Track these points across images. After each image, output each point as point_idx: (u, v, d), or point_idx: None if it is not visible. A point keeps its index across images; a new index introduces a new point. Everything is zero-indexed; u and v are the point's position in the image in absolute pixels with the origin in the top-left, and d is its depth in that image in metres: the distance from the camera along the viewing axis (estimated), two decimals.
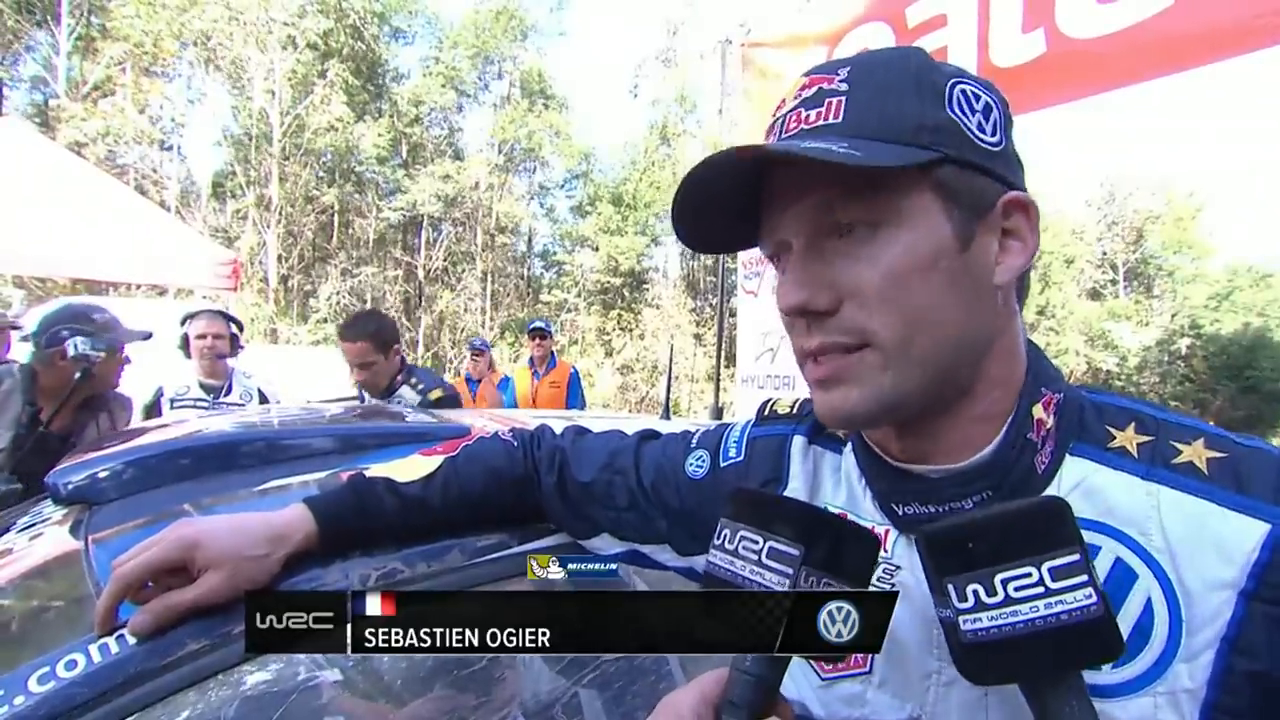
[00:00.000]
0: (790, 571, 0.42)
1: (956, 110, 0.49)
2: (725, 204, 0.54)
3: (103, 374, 2.10)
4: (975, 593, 0.40)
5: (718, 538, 0.47)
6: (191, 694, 0.59)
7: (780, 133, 0.52)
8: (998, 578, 0.39)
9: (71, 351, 1.96)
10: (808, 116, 0.51)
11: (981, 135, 0.50)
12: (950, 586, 0.41)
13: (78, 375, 1.97)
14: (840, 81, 0.50)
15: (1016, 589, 0.39)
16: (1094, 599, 0.38)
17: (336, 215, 19.04)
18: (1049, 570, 0.39)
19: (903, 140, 0.48)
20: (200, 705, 0.59)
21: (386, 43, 20.30)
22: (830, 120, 0.49)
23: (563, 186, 23.06)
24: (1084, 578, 0.38)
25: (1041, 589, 0.39)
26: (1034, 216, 0.52)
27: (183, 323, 2.93)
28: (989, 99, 0.52)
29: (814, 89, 0.51)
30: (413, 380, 2.60)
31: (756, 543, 0.44)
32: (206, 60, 16.30)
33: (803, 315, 0.50)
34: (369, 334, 2.51)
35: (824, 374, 0.51)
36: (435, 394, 2.56)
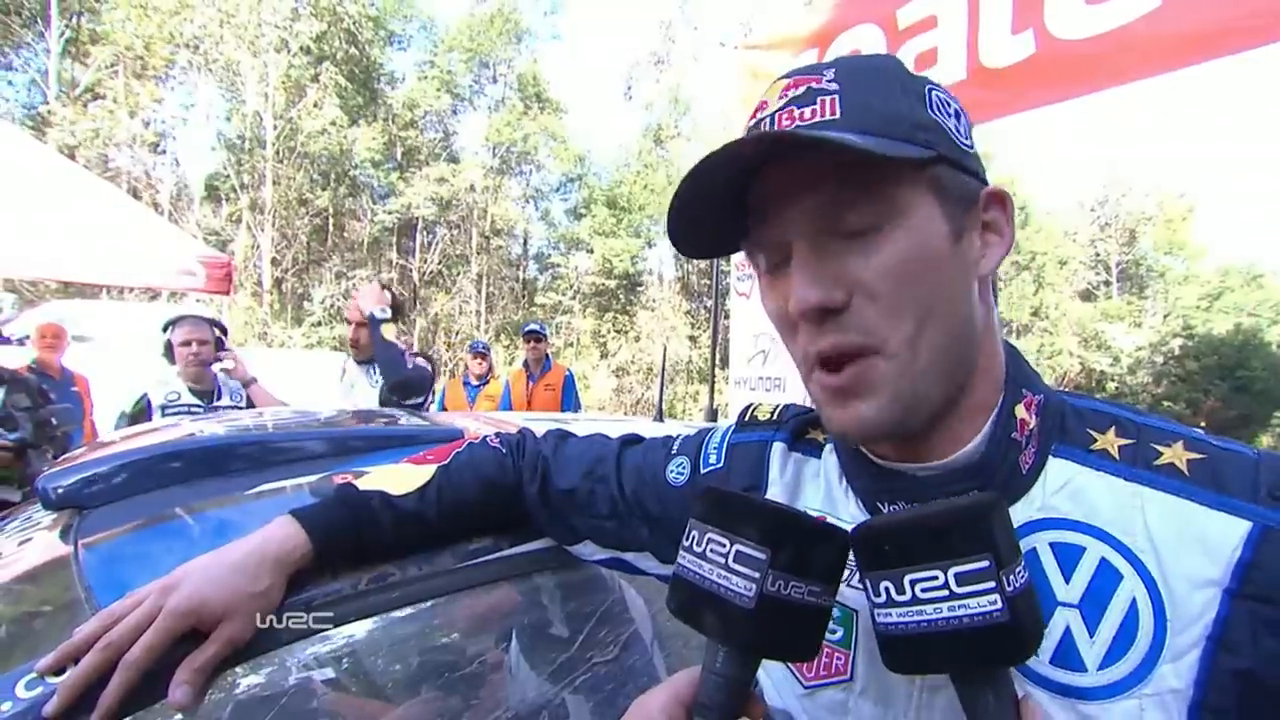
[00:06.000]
0: (757, 575, 0.42)
1: (937, 112, 0.51)
2: (716, 203, 0.53)
3: None
4: (887, 589, 0.43)
5: (686, 539, 0.47)
6: None
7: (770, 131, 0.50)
8: (906, 578, 0.42)
9: None
10: (802, 114, 0.49)
11: (959, 136, 0.51)
12: (867, 581, 0.44)
13: None
14: (829, 81, 0.50)
15: (923, 590, 0.41)
16: (999, 605, 0.39)
17: (330, 218, 18.99)
18: (955, 575, 0.40)
19: (902, 137, 0.48)
20: (192, 709, 0.59)
21: (381, 47, 20.25)
22: (828, 117, 0.48)
23: (558, 189, 23.09)
24: (990, 584, 0.39)
25: (946, 592, 0.40)
26: (1010, 209, 0.54)
27: (165, 329, 2.93)
28: (956, 105, 0.53)
29: (802, 88, 0.50)
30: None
31: (724, 545, 0.44)
32: (199, 64, 16.24)
33: (818, 315, 0.48)
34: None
35: (841, 383, 0.49)
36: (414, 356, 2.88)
